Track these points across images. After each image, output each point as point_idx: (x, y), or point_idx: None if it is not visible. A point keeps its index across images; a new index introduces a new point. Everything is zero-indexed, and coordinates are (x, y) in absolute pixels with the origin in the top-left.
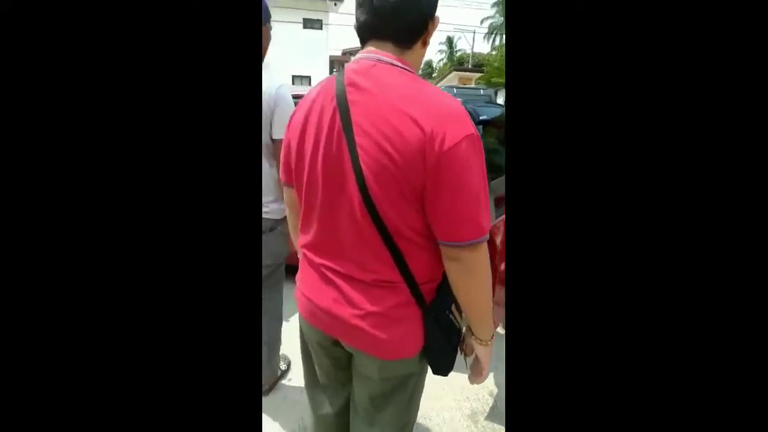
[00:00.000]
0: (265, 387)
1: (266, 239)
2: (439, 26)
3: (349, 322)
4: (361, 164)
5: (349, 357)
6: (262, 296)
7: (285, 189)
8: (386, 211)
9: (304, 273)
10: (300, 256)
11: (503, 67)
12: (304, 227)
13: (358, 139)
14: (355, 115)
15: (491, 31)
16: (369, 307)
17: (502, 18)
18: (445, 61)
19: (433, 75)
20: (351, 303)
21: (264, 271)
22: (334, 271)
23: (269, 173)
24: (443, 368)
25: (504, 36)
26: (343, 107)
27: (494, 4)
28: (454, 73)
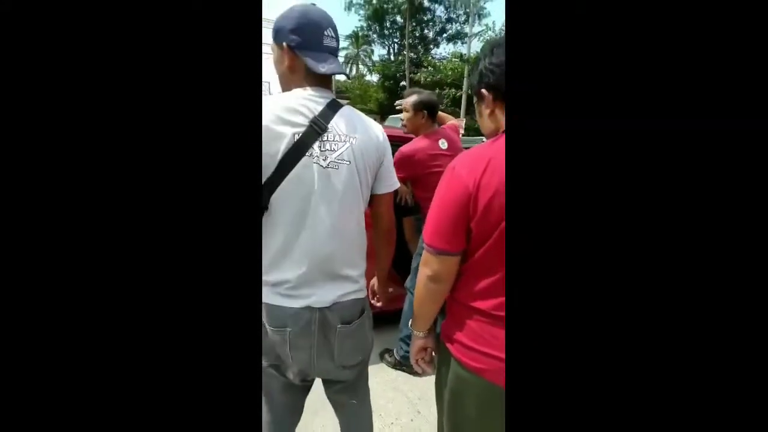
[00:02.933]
0: None
1: (361, 326)
2: None
3: None
4: None
5: None
6: (350, 402)
7: (439, 258)
8: None
9: (498, 336)
10: (473, 319)
11: (364, 95)
12: (499, 289)
13: None
14: None
15: (348, 61)
16: None
17: (356, 49)
18: None
19: None
20: None
21: (354, 371)
22: None
23: (362, 236)
24: None
25: (357, 66)
26: None
27: (347, 37)
28: None
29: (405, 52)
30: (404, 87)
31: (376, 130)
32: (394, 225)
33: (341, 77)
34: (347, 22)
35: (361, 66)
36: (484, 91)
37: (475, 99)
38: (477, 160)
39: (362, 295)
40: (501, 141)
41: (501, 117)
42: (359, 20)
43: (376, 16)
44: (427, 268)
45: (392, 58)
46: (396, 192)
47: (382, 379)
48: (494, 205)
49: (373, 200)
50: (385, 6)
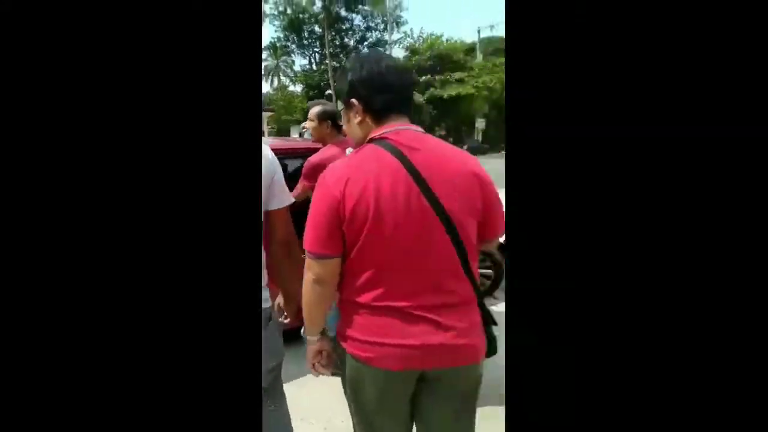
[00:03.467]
0: None
1: (271, 333)
2: None
3: (448, 343)
4: (442, 203)
5: (415, 392)
6: (267, 408)
7: (320, 262)
8: (466, 235)
9: (385, 325)
10: (358, 314)
11: (289, 106)
12: (373, 283)
13: (433, 186)
14: (421, 169)
15: (268, 73)
16: (460, 324)
17: (276, 60)
18: None
19: None
20: (446, 327)
21: (268, 378)
22: (425, 307)
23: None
24: None
25: (279, 77)
26: (409, 166)
27: (265, 48)
28: None
29: (327, 62)
30: (330, 96)
31: (266, 150)
32: (291, 238)
33: (264, 89)
34: (263, 33)
35: (283, 77)
36: (354, 100)
37: (342, 107)
38: (342, 171)
39: (266, 305)
40: (363, 150)
41: (371, 125)
42: (275, 31)
43: (293, 27)
44: (311, 272)
45: (314, 67)
46: (309, 201)
47: (311, 387)
48: (358, 212)
49: (267, 217)
50: (300, 16)
